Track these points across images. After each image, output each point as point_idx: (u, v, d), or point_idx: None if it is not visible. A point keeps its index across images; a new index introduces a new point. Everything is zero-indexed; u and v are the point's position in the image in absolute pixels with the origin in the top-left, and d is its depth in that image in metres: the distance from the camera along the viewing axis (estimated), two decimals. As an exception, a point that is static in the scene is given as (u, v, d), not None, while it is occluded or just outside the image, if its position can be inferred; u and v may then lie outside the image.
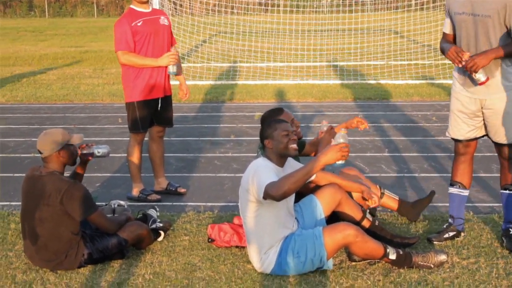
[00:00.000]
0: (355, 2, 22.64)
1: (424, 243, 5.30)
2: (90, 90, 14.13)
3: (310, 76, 15.57)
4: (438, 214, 5.96)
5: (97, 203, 5.03)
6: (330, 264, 4.71)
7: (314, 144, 5.71)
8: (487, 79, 4.94)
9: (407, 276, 4.64)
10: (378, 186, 5.67)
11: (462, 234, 5.40)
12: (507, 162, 5.19)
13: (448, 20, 5.24)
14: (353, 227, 4.63)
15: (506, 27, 4.91)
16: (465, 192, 5.39)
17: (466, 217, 5.73)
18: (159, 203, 6.45)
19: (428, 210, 5.93)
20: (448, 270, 4.75)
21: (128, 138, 6.70)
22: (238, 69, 16.72)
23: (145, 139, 6.74)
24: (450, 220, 5.41)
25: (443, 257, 4.80)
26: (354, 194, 5.37)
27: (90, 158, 5.21)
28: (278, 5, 19.98)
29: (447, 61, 14.08)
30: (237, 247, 5.22)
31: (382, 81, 14.82)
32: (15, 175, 7.58)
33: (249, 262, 4.89)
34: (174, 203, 6.56)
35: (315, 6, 23.63)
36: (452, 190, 5.41)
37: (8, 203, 6.57)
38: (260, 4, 21.02)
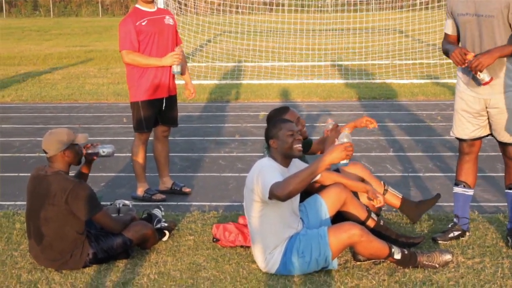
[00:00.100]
0: (359, 1, 22.61)
1: (429, 242, 5.29)
2: (95, 90, 14.15)
3: (315, 76, 15.56)
4: (443, 214, 5.95)
5: (102, 203, 5.04)
6: (335, 264, 4.71)
7: (321, 142, 5.71)
8: (491, 79, 4.93)
9: (412, 276, 4.63)
10: (382, 183, 5.65)
11: (467, 233, 5.39)
12: (512, 162, 5.19)
13: (449, 21, 5.22)
14: (358, 226, 4.62)
15: (510, 26, 4.91)
16: (470, 192, 5.39)
17: (471, 217, 5.72)
18: (164, 203, 6.45)
19: (433, 209, 5.92)
20: (453, 270, 4.75)
21: (133, 138, 6.70)
22: (243, 69, 16.72)
23: (150, 138, 6.75)
24: (455, 219, 5.41)
25: (448, 257, 4.79)
26: (361, 197, 5.37)
27: (95, 157, 5.22)
28: (283, 5, 19.98)
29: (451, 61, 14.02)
30: (242, 247, 5.22)
31: (387, 81, 14.80)
32: (20, 174, 7.60)
33: (254, 262, 4.89)
34: (179, 203, 6.57)
35: (319, 5, 23.60)
36: (457, 189, 5.41)
37: (13, 202, 6.58)
38: (264, 3, 21.02)
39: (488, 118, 5.14)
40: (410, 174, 7.45)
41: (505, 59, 4.97)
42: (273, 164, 4.70)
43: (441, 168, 7.67)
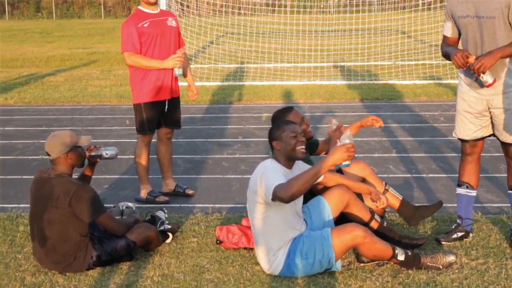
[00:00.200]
0: (362, 2, 22.60)
1: (432, 244, 5.29)
2: (98, 92, 14.16)
3: (317, 77, 15.56)
4: (446, 215, 5.94)
5: (105, 205, 5.04)
6: (338, 265, 4.70)
7: (326, 142, 5.73)
8: (494, 81, 4.92)
9: (416, 277, 4.63)
10: (383, 182, 5.64)
11: (471, 234, 5.39)
12: (514, 162, 5.19)
13: (449, 23, 5.21)
14: (362, 228, 4.62)
15: (511, 26, 4.90)
16: (473, 193, 5.38)
17: (475, 218, 5.72)
18: (167, 205, 6.46)
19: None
20: (457, 271, 4.75)
21: (136, 140, 6.71)
22: (245, 70, 16.72)
23: (153, 140, 6.75)
24: (458, 220, 5.40)
25: (451, 258, 4.79)
26: (366, 199, 5.36)
27: (98, 160, 5.22)
28: (285, 6, 19.96)
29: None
30: (245, 248, 5.22)
31: (390, 81, 14.80)
32: (24, 177, 7.61)
33: (257, 263, 4.89)
34: (182, 205, 6.57)
35: (322, 6, 23.63)
36: (460, 190, 5.40)
37: (16, 205, 6.58)
38: (267, 4, 21.00)
39: (491, 118, 5.14)
40: (413, 175, 7.44)
41: (506, 59, 4.97)
42: (276, 165, 4.70)
43: (444, 169, 7.66)
